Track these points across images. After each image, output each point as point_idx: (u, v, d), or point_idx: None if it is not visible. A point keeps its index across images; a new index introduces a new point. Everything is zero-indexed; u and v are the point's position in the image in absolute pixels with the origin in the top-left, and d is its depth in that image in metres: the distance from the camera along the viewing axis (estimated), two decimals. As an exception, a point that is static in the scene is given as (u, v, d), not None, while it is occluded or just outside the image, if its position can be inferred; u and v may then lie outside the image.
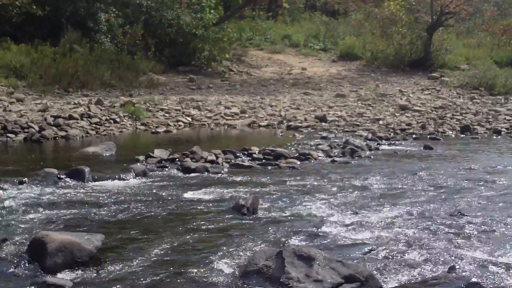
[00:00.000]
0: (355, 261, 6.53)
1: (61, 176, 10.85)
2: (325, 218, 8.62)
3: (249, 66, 33.18)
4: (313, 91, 26.71)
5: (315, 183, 11.23)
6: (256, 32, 38.48)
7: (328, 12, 46.22)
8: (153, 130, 18.54)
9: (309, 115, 21.65)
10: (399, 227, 8.19)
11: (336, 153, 14.71)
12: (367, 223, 8.36)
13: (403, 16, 34.38)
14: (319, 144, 15.88)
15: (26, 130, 16.33)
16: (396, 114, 22.28)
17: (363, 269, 6.08)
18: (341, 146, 15.46)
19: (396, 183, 11.37)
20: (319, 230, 8.02)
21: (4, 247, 6.90)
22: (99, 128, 17.72)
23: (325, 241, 7.54)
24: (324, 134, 18.23)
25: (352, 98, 25.38)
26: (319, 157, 14.19)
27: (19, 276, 6.16)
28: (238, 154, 13.89)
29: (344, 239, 7.65)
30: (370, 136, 17.76)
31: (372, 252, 7.14)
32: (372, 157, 14.57)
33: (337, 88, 27.78)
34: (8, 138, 15.64)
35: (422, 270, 6.56)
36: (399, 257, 6.97)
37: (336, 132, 18.92)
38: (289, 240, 7.52)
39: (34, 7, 24.48)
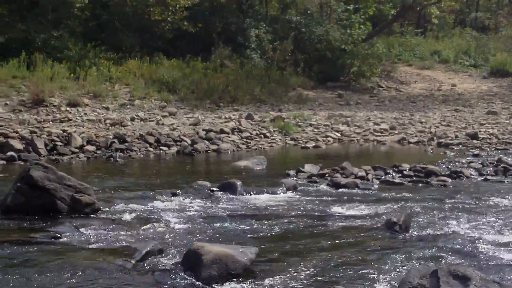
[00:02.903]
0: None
1: (214, 189, 11.13)
2: (479, 237, 8.37)
3: (398, 82, 32.92)
4: (464, 108, 26.24)
5: (468, 201, 10.94)
6: (405, 48, 38.14)
7: (478, 28, 45.32)
8: (303, 145, 18.62)
9: (459, 132, 21.21)
10: (559, 249, 7.88)
11: (488, 172, 14.30)
12: (524, 244, 8.09)
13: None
14: (471, 162, 15.49)
15: (178, 143, 16.80)
16: (553, 133, 21.53)
17: (522, 292, 5.88)
18: (494, 165, 15.01)
19: (554, 203, 10.95)
20: (473, 249, 7.81)
21: (161, 258, 7.08)
22: (250, 143, 18.00)
23: (480, 261, 7.35)
24: (476, 151, 17.75)
25: (504, 115, 24.70)
26: (471, 175, 13.84)
27: (176, 287, 6.29)
28: (388, 171, 13.76)
29: (500, 259, 7.43)
30: (524, 154, 17.18)
31: (530, 274, 6.90)
32: (527, 176, 14.10)
33: (488, 105, 27.18)
34: (161, 151, 16.08)
35: None
36: (559, 280, 6.72)
37: (488, 150, 18.38)
38: (443, 259, 7.37)
39: (186, 23, 25.12)
